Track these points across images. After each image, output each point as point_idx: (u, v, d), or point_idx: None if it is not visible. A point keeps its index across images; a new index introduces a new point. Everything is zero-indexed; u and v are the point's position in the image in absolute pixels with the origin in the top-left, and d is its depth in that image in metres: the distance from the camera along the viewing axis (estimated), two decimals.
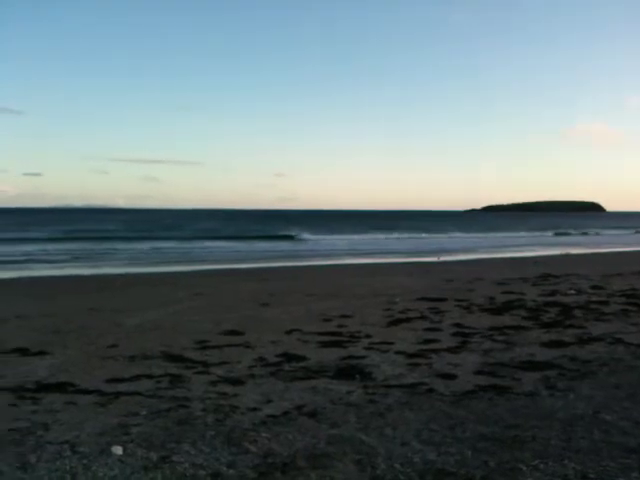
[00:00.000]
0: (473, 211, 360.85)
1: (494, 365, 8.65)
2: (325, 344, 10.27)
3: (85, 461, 5.06)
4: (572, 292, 17.26)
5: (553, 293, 17.09)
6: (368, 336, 10.95)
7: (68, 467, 4.93)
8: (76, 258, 37.81)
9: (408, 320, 12.75)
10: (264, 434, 5.71)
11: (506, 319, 12.77)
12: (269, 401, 6.90)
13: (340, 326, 12.05)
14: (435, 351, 9.61)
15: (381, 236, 69.58)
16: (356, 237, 67.30)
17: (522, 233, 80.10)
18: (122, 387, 7.56)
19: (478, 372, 8.26)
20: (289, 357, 9.23)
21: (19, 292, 19.43)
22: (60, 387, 7.55)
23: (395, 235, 71.51)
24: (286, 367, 8.65)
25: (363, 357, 9.21)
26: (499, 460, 5.06)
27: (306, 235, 64.30)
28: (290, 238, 61.70)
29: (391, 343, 10.27)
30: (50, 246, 47.56)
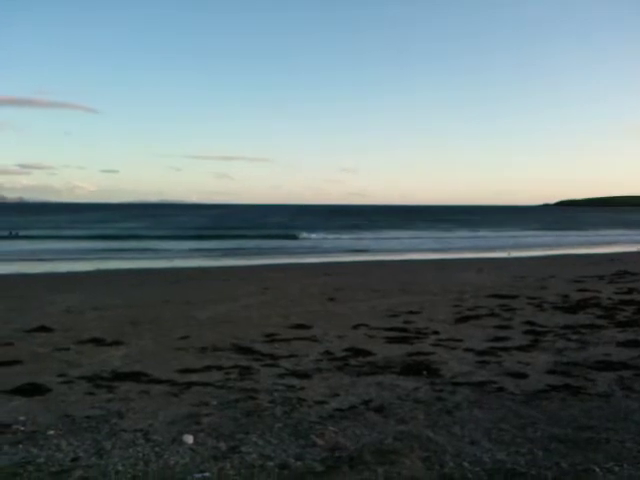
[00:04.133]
0: (547, 206, 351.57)
1: (567, 365, 8.40)
2: (392, 340, 10.23)
3: (157, 449, 5.21)
4: None
5: (630, 291, 16.47)
6: (436, 332, 10.83)
7: (141, 454, 5.09)
8: (151, 252, 38.94)
9: (477, 317, 12.54)
10: (331, 428, 5.73)
11: (580, 317, 12.39)
12: (336, 395, 6.92)
13: (407, 322, 11.97)
14: (505, 349, 9.42)
15: (444, 234, 67.84)
16: (404, 234, 64.69)
17: (597, 229, 77.38)
18: (193, 378, 7.74)
19: (550, 371, 8.04)
20: (356, 352, 9.23)
21: (96, 285, 20.14)
22: (134, 377, 7.79)
23: (461, 233, 69.85)
24: (352, 362, 8.65)
25: (430, 354, 9.12)
26: (571, 462, 4.92)
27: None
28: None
29: (459, 340, 10.13)
30: (125, 242, 49.17)
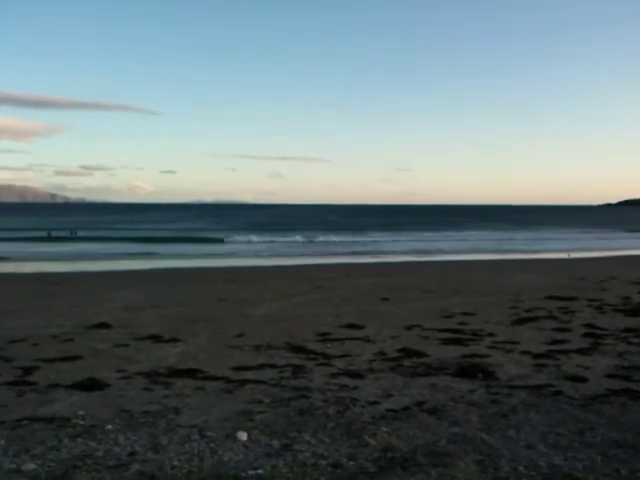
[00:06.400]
0: (608, 205, 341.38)
1: (628, 369, 8.14)
2: (446, 341, 10.11)
3: (212, 445, 5.27)
4: None
5: None
6: (491, 334, 10.65)
7: (196, 450, 5.15)
8: (206, 252, 39.60)
9: (535, 319, 12.28)
10: (384, 428, 5.70)
11: None
12: (389, 396, 6.88)
13: (462, 323, 11.81)
14: (564, 352, 9.19)
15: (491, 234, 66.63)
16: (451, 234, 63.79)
17: None
18: (247, 375, 7.82)
19: (610, 375, 7.81)
20: (409, 353, 9.16)
21: (154, 283, 20.58)
22: (190, 373, 7.92)
23: (518, 233, 68.31)
24: (406, 363, 8.59)
25: (486, 356, 8.97)
26: (631, 468, 4.76)
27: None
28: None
29: (516, 342, 9.94)
30: (181, 243, 50.07)
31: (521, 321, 12.07)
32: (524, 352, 9.22)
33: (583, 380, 7.56)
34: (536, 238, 57.68)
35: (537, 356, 8.94)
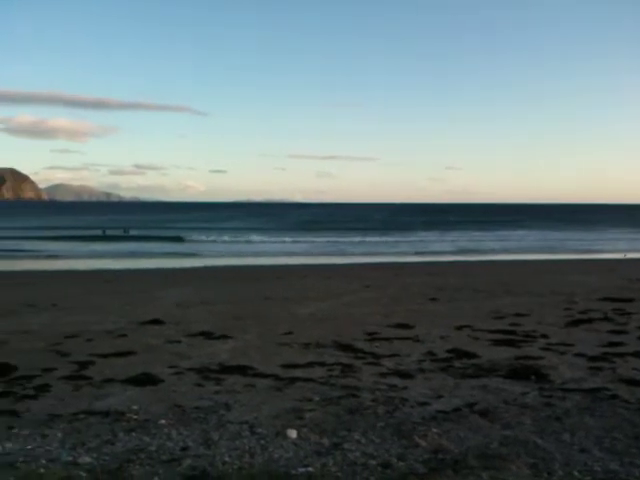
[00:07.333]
0: None
1: None
2: (497, 342, 9.95)
3: (262, 442, 5.32)
4: None
5: None
6: (544, 336, 10.44)
7: (247, 447, 5.21)
8: (255, 251, 40.01)
9: (590, 321, 11.98)
10: (434, 429, 5.65)
11: None
12: (439, 396, 6.81)
13: (514, 324, 11.61)
14: (620, 355, 8.94)
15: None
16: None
17: None
18: (297, 373, 7.86)
19: None
20: (459, 353, 9.05)
21: (203, 280, 20.88)
22: (240, 370, 8.01)
23: (569, 233, 66.73)
24: (456, 363, 8.49)
25: (539, 358, 8.79)
26: None
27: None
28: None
29: (570, 345, 9.71)
30: (232, 243, 50.67)
31: (575, 323, 11.79)
32: (578, 354, 9.01)
33: None
34: (589, 238, 56.23)
35: (592, 359, 8.72)
